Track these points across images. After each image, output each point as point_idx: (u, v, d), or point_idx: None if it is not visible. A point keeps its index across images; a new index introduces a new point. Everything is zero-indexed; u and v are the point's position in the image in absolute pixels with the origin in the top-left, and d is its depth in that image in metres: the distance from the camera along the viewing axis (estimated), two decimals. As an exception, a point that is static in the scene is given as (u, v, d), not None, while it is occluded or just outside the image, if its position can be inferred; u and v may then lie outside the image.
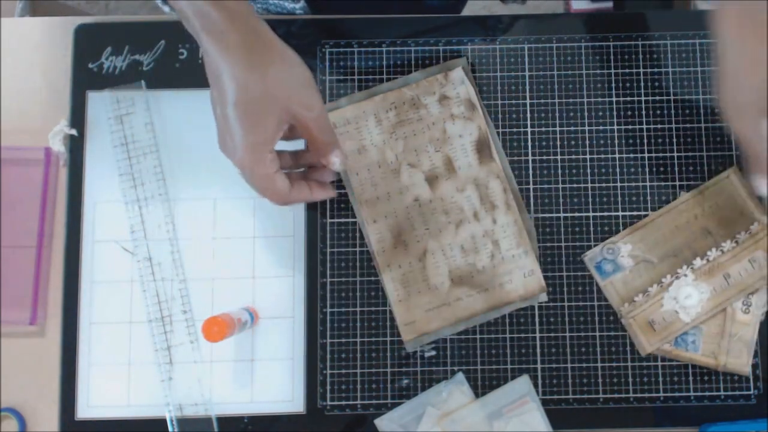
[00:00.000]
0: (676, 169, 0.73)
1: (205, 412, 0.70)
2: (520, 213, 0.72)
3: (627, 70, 0.75)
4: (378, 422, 0.69)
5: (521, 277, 0.71)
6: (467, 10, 1.00)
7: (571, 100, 0.74)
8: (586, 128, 0.74)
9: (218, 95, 0.60)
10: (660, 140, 0.74)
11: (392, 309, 0.71)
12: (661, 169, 0.73)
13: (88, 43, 0.75)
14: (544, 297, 0.71)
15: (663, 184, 0.73)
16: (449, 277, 0.71)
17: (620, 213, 0.72)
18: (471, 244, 0.72)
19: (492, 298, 0.71)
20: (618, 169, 0.73)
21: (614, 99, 0.74)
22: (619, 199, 0.72)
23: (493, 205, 0.72)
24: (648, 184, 0.73)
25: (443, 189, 0.73)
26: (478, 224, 0.72)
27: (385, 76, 0.75)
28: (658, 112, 0.74)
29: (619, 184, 0.73)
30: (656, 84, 0.74)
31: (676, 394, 0.70)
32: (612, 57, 0.75)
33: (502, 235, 0.71)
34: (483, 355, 0.71)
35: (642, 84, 0.74)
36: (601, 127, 0.74)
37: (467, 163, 0.73)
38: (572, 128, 0.74)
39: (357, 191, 0.73)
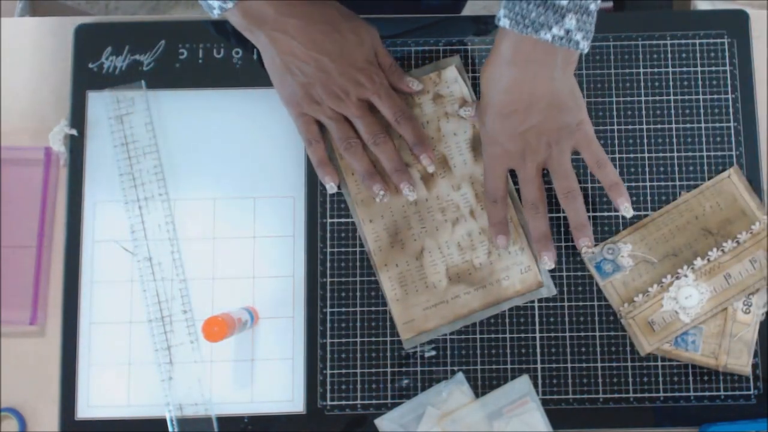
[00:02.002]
0: (676, 169, 0.73)
1: (205, 412, 0.70)
2: (516, 210, 0.72)
3: (627, 70, 0.75)
4: (378, 422, 0.69)
5: (518, 273, 0.71)
6: (467, 11, 1.00)
7: (571, 100, 0.74)
8: (586, 128, 0.74)
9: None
10: (660, 140, 0.74)
11: (390, 308, 0.71)
12: (661, 169, 0.73)
13: (88, 43, 0.75)
14: (547, 292, 0.71)
15: (663, 184, 0.73)
16: (446, 275, 0.71)
17: (620, 213, 0.72)
18: (468, 241, 0.72)
19: (490, 295, 0.71)
20: (618, 169, 0.73)
21: (614, 99, 0.74)
22: (619, 199, 0.72)
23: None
24: (648, 184, 0.73)
25: (439, 187, 0.73)
26: (474, 222, 0.72)
27: (385, 76, 0.74)
28: (658, 112, 0.74)
29: (619, 184, 0.73)
30: (656, 84, 0.74)
31: (676, 394, 0.70)
32: (612, 57, 0.75)
33: None
34: (483, 355, 0.71)
35: (642, 84, 0.74)
36: (601, 127, 0.73)
37: (462, 161, 0.73)
38: (572, 128, 0.73)
39: (353, 191, 0.73)
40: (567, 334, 0.71)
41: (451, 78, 0.74)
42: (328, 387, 0.70)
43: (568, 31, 0.60)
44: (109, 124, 0.74)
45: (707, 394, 0.70)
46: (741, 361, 0.69)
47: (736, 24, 0.75)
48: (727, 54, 0.75)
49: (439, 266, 0.71)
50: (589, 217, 0.72)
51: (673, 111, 0.74)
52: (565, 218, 0.72)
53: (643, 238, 0.72)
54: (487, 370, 0.70)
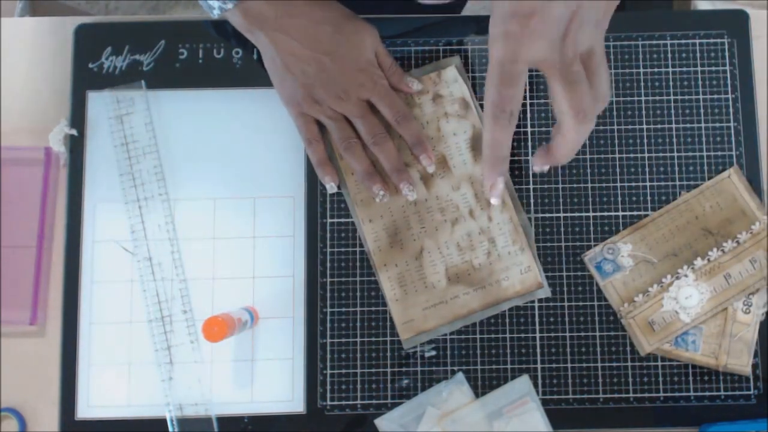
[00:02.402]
0: (676, 169, 0.73)
1: (205, 412, 0.70)
2: (516, 210, 0.72)
3: (627, 70, 0.75)
4: (378, 422, 0.69)
5: (518, 273, 0.71)
6: (467, 11, 1.00)
7: (571, 100, 0.74)
8: (586, 128, 0.74)
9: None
10: (660, 140, 0.74)
11: (389, 308, 0.71)
12: (661, 169, 0.73)
13: (88, 43, 0.75)
14: (543, 293, 0.71)
15: (663, 184, 0.73)
16: (446, 276, 0.71)
17: (620, 213, 0.72)
18: (467, 241, 0.72)
19: (489, 296, 0.71)
20: (618, 169, 0.73)
21: (614, 99, 0.74)
22: (619, 199, 0.72)
23: (488, 202, 0.72)
24: (648, 184, 0.73)
25: (438, 187, 0.73)
26: (473, 222, 0.72)
27: (385, 76, 0.74)
28: (658, 112, 0.74)
29: (619, 184, 0.73)
30: (656, 84, 0.74)
31: (676, 394, 0.70)
32: (612, 57, 0.75)
33: (498, 232, 0.71)
34: (483, 355, 0.71)
35: (642, 84, 0.74)
36: (601, 127, 0.74)
37: (462, 161, 0.73)
38: (572, 128, 0.73)
39: (353, 191, 0.73)
40: (567, 334, 0.71)
41: (451, 78, 0.74)
42: (328, 387, 0.70)
43: None
44: (109, 124, 0.74)
45: (707, 394, 0.70)
46: (741, 361, 0.69)
47: (736, 24, 0.75)
48: (727, 54, 0.75)
49: (439, 266, 0.71)
50: (588, 217, 0.72)
51: (673, 111, 0.74)
52: (564, 218, 0.72)
53: (643, 238, 0.72)
54: (487, 370, 0.70)
